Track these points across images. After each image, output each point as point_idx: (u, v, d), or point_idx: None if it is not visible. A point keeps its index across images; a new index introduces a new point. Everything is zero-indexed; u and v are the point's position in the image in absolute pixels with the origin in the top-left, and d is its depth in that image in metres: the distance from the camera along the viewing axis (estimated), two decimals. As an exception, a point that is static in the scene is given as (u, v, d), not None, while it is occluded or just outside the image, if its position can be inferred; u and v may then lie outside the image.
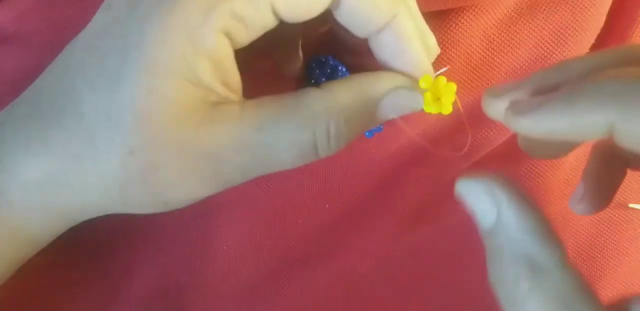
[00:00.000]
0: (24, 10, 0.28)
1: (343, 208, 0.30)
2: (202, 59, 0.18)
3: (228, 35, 0.19)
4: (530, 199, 0.18)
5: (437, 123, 0.29)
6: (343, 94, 0.20)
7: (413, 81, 0.21)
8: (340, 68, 0.26)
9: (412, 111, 0.21)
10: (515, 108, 0.18)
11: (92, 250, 0.29)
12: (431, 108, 0.21)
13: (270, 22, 0.19)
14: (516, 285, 0.18)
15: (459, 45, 0.27)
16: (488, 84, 0.28)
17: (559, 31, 0.27)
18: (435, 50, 0.22)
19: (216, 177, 0.20)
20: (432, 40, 0.22)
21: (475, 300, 0.31)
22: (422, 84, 0.21)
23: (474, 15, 0.26)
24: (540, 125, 0.17)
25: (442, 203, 0.30)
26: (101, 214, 0.22)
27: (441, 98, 0.21)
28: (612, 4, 0.28)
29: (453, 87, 0.21)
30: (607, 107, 0.16)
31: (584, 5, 0.27)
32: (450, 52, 0.27)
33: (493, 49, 0.27)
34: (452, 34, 0.27)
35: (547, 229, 0.18)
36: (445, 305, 0.31)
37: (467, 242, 0.30)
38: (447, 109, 0.21)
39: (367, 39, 0.21)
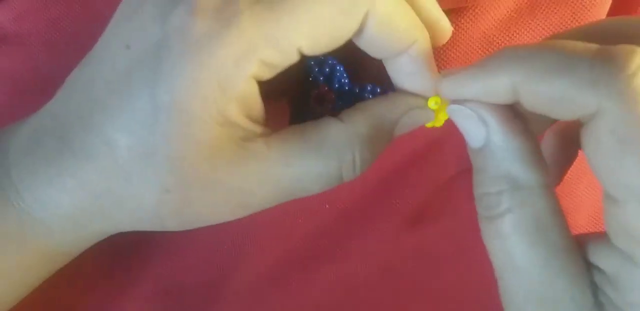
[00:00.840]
0: (23, 11, 0.28)
1: (343, 209, 0.30)
2: (231, 103, 0.19)
3: (256, 78, 0.20)
4: (519, 123, 0.20)
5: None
6: (364, 124, 0.21)
7: (423, 100, 0.22)
8: (338, 68, 0.26)
9: (422, 124, 0.23)
10: (444, 72, 0.20)
11: (95, 251, 0.29)
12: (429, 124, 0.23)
13: (295, 60, 0.20)
14: (498, 201, 0.19)
15: (458, 45, 0.27)
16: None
17: (559, 31, 0.27)
18: (449, 32, 0.23)
19: (245, 206, 0.22)
20: (446, 24, 0.23)
21: (476, 301, 0.31)
22: (432, 105, 0.22)
23: (474, 16, 0.26)
24: (457, 87, 0.20)
25: (442, 204, 0.30)
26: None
27: (437, 115, 0.23)
28: (612, 4, 0.28)
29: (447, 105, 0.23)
30: (511, 70, 0.18)
31: (583, 5, 0.27)
32: (450, 53, 0.27)
33: (493, 49, 0.27)
34: (452, 34, 0.27)
35: (533, 152, 0.19)
36: (446, 306, 0.31)
37: (468, 243, 0.30)
38: (440, 123, 0.23)
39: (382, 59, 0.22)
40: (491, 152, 0.20)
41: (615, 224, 0.18)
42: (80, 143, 0.20)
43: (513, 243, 0.19)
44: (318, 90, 0.26)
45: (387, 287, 0.31)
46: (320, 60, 0.26)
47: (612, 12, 0.28)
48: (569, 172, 0.25)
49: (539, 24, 0.27)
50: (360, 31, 0.20)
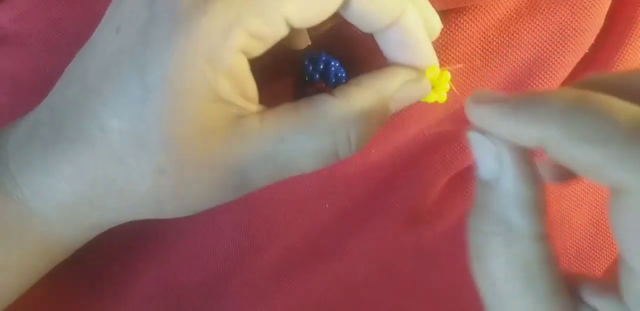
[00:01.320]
0: (23, 10, 0.28)
1: (343, 208, 0.30)
2: (221, 78, 0.19)
3: (245, 51, 0.19)
4: (532, 168, 0.18)
5: (444, 123, 0.29)
6: (358, 99, 0.21)
7: (420, 72, 0.22)
8: (333, 63, 0.26)
9: (421, 99, 0.23)
10: (475, 97, 0.19)
11: (93, 251, 0.29)
12: (428, 98, 0.23)
13: (283, 33, 0.20)
14: (488, 242, 0.19)
15: (458, 45, 0.27)
16: (488, 85, 0.28)
17: (559, 31, 0.27)
18: (439, 28, 0.23)
19: (241, 185, 0.21)
20: (436, 20, 0.23)
21: (475, 301, 0.31)
22: (430, 74, 0.22)
23: (474, 16, 0.26)
24: (484, 119, 0.18)
25: (441, 204, 0.30)
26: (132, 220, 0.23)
27: (436, 87, 0.22)
28: (611, 4, 0.28)
29: (446, 75, 0.22)
30: (542, 126, 0.16)
31: (583, 5, 0.27)
32: (450, 53, 0.27)
33: (493, 49, 0.27)
34: (451, 34, 0.27)
35: (536, 200, 0.18)
36: (445, 306, 0.31)
37: (466, 243, 0.30)
38: (442, 98, 0.23)
39: (372, 33, 0.22)
40: (497, 189, 0.19)
41: (631, 291, 0.17)
42: (75, 130, 0.20)
43: (501, 287, 0.18)
44: (315, 87, 0.26)
45: (387, 286, 0.31)
46: (314, 58, 0.26)
47: (611, 12, 0.28)
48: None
49: (538, 24, 0.27)
50: (346, 3, 0.20)
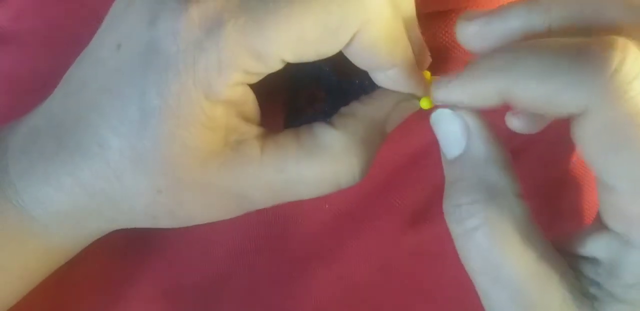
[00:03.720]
0: (20, 10, 0.28)
1: (343, 209, 0.30)
2: (218, 107, 0.20)
3: (240, 83, 0.20)
4: (495, 133, 0.21)
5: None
6: (359, 130, 0.22)
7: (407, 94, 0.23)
8: (324, 68, 0.26)
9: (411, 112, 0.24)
10: (437, 82, 0.21)
11: (94, 251, 0.29)
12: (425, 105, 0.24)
13: (278, 68, 0.20)
14: (471, 212, 0.19)
15: (458, 45, 0.27)
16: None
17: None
18: (428, 62, 0.24)
19: (238, 208, 0.22)
20: (426, 56, 0.24)
21: (475, 301, 0.31)
22: (424, 106, 0.23)
23: (474, 16, 0.26)
24: (447, 94, 0.20)
25: (441, 204, 0.30)
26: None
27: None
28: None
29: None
30: (496, 78, 0.19)
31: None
32: (450, 53, 0.27)
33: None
34: (452, 34, 0.27)
35: (509, 162, 0.20)
36: (446, 306, 0.31)
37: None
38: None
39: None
40: (469, 160, 0.20)
41: (611, 209, 0.19)
42: (75, 143, 0.21)
43: (497, 256, 0.19)
44: (308, 92, 0.26)
45: (387, 287, 0.31)
46: (304, 64, 0.26)
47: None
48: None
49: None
50: (345, 45, 0.20)
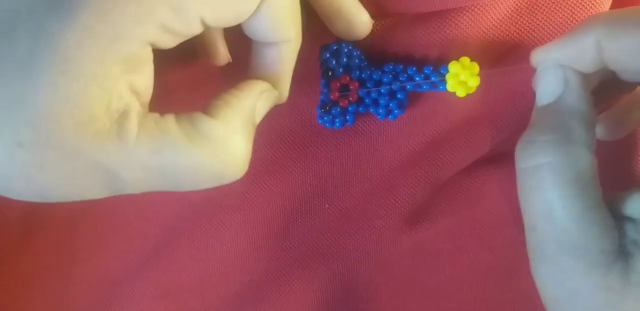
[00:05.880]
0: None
1: (342, 208, 0.30)
2: (118, 65, 0.18)
3: (152, 44, 0.19)
4: (590, 95, 0.22)
5: (444, 123, 0.29)
6: (235, 120, 0.21)
7: (268, 84, 0.24)
8: (355, 53, 0.26)
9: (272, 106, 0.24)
10: (535, 55, 0.23)
11: (90, 251, 0.29)
12: (459, 92, 0.26)
13: (197, 30, 0.20)
14: (541, 149, 0.21)
15: (453, 44, 0.27)
16: (487, 84, 0.28)
17: (559, 31, 0.27)
18: (368, 26, 0.26)
19: (107, 188, 0.20)
20: (365, 16, 0.25)
21: (474, 300, 0.31)
22: (452, 71, 0.25)
23: (474, 16, 0.26)
24: (549, 53, 0.22)
25: (441, 203, 0.30)
26: None
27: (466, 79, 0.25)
28: (612, 5, 0.28)
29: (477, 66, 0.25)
30: (595, 28, 0.21)
31: (583, 5, 0.27)
32: (449, 53, 0.27)
33: (493, 49, 0.27)
34: (452, 34, 0.27)
35: (593, 120, 0.22)
36: (445, 305, 0.31)
37: (466, 243, 0.30)
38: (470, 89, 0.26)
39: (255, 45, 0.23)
40: (557, 108, 0.22)
41: None
42: None
43: (553, 195, 0.20)
44: (339, 81, 0.26)
45: (386, 286, 0.31)
46: (336, 51, 0.26)
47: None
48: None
49: (539, 24, 0.27)
50: (258, 10, 0.21)
